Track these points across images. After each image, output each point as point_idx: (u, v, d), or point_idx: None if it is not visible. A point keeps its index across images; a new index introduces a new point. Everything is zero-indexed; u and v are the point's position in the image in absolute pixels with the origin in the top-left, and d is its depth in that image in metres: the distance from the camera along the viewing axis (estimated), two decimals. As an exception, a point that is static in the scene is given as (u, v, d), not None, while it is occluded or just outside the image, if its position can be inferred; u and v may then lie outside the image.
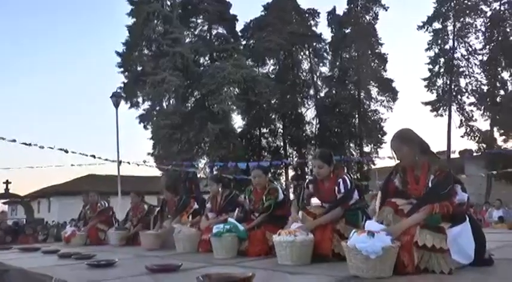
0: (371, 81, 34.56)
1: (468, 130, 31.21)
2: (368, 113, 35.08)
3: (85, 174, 33.43)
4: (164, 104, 28.83)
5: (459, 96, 31.95)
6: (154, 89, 26.82)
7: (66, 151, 17.65)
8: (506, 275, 3.15)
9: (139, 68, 29.70)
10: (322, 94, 35.90)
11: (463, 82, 31.96)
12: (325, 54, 36.08)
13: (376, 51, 35.14)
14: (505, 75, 30.83)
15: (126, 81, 30.12)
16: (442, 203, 3.16)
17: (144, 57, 29.68)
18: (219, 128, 26.76)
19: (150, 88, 27.04)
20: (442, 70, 32.16)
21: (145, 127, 29.07)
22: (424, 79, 32.17)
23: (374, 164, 33.06)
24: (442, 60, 32.18)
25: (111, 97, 16.05)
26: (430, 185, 3.31)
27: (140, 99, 29.80)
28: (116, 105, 15.94)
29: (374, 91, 35.13)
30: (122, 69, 30.15)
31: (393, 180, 3.57)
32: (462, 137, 31.35)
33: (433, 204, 3.17)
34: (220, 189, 6.08)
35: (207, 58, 31.67)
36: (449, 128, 31.21)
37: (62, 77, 64.23)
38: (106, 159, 18.93)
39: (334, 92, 35.10)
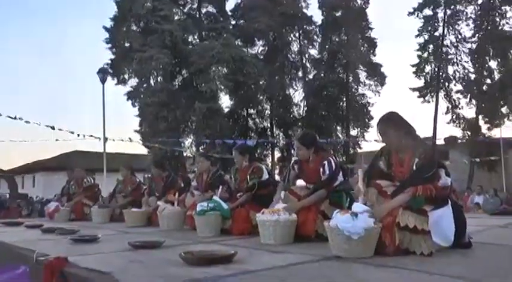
0: (360, 65, 34.57)
1: (454, 117, 31.48)
2: (356, 96, 35.16)
3: (71, 150, 33.27)
4: (152, 82, 28.60)
5: (446, 84, 32.13)
6: (142, 66, 26.58)
7: (53, 128, 17.49)
8: (483, 258, 3.21)
9: (127, 45, 29.37)
10: (310, 76, 35.84)
11: (451, 69, 32.13)
12: (315, 36, 35.94)
13: (366, 35, 35.08)
14: (492, 64, 31.03)
15: (113, 57, 29.80)
16: (426, 186, 3.19)
17: (132, 33, 29.32)
18: (206, 107, 26.64)
19: (137, 65, 26.80)
20: (430, 57, 32.25)
21: (133, 104, 28.88)
22: (413, 65, 32.25)
23: (360, 148, 33.33)
24: (431, 47, 32.23)
25: (97, 73, 15.87)
26: (414, 168, 3.34)
27: (127, 76, 29.55)
28: (103, 81, 15.76)
29: (362, 75, 35.17)
30: (109, 45, 29.82)
31: (378, 163, 3.60)
32: (448, 123, 31.64)
33: (416, 186, 3.20)
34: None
35: (195, 37, 31.38)
36: (435, 115, 31.45)
37: (49, 51, 63.29)
38: (91, 136, 18.81)
39: (322, 74, 35.08)
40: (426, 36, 32.16)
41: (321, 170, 4.21)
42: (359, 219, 2.97)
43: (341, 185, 4.22)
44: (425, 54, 32.24)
